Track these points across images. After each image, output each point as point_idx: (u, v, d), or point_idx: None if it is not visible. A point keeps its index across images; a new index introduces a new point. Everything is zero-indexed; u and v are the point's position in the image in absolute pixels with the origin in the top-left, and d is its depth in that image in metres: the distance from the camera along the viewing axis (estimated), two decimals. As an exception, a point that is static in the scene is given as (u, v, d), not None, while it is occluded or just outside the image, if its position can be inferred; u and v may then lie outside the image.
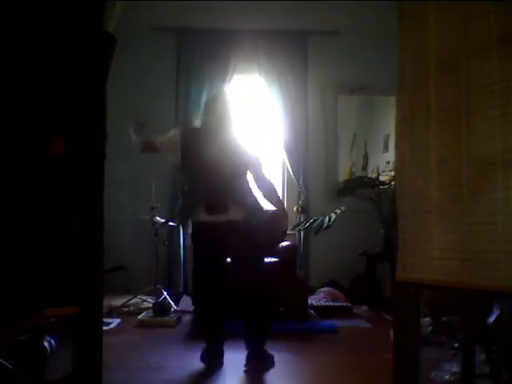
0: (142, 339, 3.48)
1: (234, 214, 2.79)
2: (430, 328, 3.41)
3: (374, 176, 4.95)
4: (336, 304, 4.34)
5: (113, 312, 4.15)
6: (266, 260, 3.63)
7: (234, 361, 2.89)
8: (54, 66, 1.45)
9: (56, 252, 1.44)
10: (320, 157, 5.10)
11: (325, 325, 3.83)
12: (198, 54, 4.97)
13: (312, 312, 4.11)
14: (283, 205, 3.10)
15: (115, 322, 3.87)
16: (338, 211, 4.35)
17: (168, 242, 4.80)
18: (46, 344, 2.44)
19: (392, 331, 2.03)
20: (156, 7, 4.84)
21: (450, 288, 1.63)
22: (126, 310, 4.28)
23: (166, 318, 3.90)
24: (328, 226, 4.21)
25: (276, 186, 3.09)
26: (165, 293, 4.31)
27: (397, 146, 1.76)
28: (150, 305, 4.20)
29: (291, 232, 4.68)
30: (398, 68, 1.72)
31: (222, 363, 2.90)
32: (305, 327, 3.72)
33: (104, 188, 1.59)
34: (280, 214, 2.98)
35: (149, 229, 4.44)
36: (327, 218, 4.27)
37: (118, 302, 4.34)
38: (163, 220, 4.42)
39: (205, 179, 2.83)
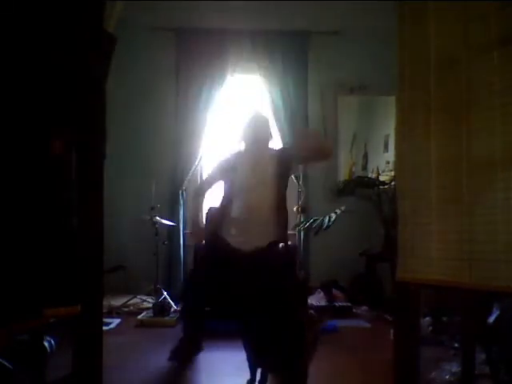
0: (142, 339, 3.48)
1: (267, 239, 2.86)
2: (430, 328, 3.41)
3: (374, 176, 4.95)
4: (336, 304, 4.33)
5: (113, 312, 4.15)
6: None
7: (234, 361, 2.89)
8: (53, 66, 1.45)
9: (56, 252, 1.44)
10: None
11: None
12: (197, 54, 4.96)
13: (312, 312, 4.10)
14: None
15: (115, 321, 3.87)
16: (338, 211, 4.34)
17: (168, 242, 4.80)
18: (45, 344, 2.44)
19: (392, 331, 2.03)
20: (156, 7, 4.85)
21: (449, 288, 1.63)
22: (126, 309, 4.28)
23: (166, 318, 3.90)
24: (328, 226, 4.21)
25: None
26: (165, 293, 4.31)
27: (397, 146, 1.76)
28: (150, 305, 4.20)
29: (291, 232, 4.68)
30: (397, 68, 1.72)
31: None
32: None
33: (104, 188, 1.58)
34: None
35: (149, 229, 4.44)
36: (327, 218, 4.27)
37: (118, 302, 4.34)
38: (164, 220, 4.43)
39: (246, 204, 2.87)
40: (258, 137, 2.99)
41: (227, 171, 3.00)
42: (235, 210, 2.89)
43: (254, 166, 2.94)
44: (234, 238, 2.87)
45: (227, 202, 2.94)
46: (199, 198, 3.11)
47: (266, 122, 3.07)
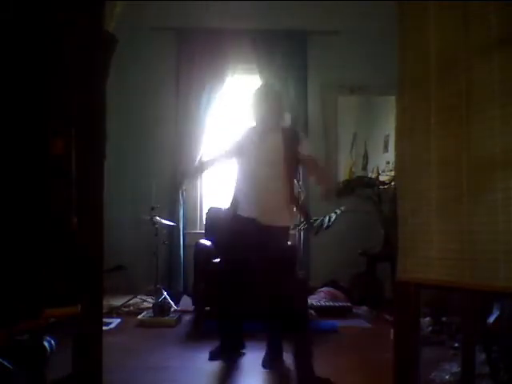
0: (142, 339, 3.48)
1: (278, 219, 2.88)
2: (430, 328, 3.41)
3: (373, 176, 4.95)
4: (336, 304, 4.33)
5: (113, 312, 4.15)
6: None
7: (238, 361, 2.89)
8: (53, 66, 1.45)
9: (56, 252, 1.44)
10: (320, 157, 5.09)
11: (325, 325, 3.83)
12: (198, 54, 4.97)
13: (312, 312, 4.11)
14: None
15: (115, 321, 3.87)
16: (338, 211, 4.35)
17: (168, 242, 4.80)
18: (45, 344, 2.44)
19: (392, 331, 2.03)
20: (156, 7, 4.85)
21: (449, 288, 1.63)
22: (126, 310, 4.28)
23: (166, 317, 3.90)
24: (328, 226, 4.21)
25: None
26: (165, 293, 4.31)
27: (397, 146, 1.76)
28: (150, 305, 4.20)
29: (291, 232, 4.68)
30: (397, 68, 1.72)
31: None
32: (305, 327, 3.72)
33: (104, 188, 1.58)
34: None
35: (149, 229, 4.44)
36: (327, 218, 4.27)
37: (118, 302, 4.34)
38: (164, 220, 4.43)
39: (254, 178, 2.84)
40: (267, 111, 2.87)
41: (239, 149, 2.95)
42: (246, 187, 2.88)
43: (264, 142, 2.86)
44: (247, 212, 2.86)
45: (241, 180, 2.93)
46: (205, 164, 3.29)
47: (276, 95, 2.96)
